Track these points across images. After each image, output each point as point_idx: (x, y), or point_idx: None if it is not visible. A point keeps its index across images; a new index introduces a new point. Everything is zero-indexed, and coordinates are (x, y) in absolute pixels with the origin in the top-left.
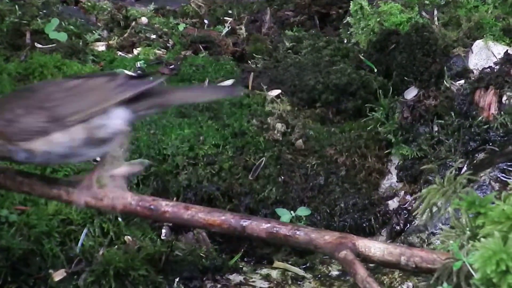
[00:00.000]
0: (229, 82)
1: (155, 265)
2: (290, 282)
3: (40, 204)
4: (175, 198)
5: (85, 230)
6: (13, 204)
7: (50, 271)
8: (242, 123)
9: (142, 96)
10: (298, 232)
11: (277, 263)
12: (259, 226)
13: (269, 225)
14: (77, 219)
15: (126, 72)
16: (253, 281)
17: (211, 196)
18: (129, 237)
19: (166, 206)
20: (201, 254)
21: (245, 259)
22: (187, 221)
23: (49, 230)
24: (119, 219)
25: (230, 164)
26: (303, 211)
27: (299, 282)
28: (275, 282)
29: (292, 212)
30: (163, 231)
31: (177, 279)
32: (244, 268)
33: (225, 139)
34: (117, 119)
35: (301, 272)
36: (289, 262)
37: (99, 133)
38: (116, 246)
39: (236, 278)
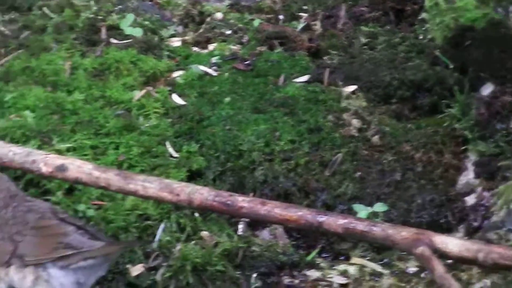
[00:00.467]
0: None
1: (232, 261)
2: (367, 278)
3: (117, 199)
4: (251, 194)
5: (162, 225)
6: (90, 199)
7: (128, 266)
8: (317, 119)
9: None
10: (375, 228)
11: (354, 259)
12: (335, 221)
13: (346, 220)
14: (154, 215)
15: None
16: (331, 277)
17: (287, 192)
18: (206, 232)
19: (243, 201)
20: (278, 250)
21: (323, 255)
22: (264, 216)
23: (126, 225)
24: (196, 214)
25: (306, 159)
26: (380, 207)
27: (376, 278)
28: (352, 278)
29: (369, 208)
30: (240, 226)
31: (254, 275)
32: (321, 264)
33: (301, 135)
34: (56, 279)
35: (378, 268)
36: (367, 258)
37: (41, 282)
38: (193, 242)
39: (313, 274)
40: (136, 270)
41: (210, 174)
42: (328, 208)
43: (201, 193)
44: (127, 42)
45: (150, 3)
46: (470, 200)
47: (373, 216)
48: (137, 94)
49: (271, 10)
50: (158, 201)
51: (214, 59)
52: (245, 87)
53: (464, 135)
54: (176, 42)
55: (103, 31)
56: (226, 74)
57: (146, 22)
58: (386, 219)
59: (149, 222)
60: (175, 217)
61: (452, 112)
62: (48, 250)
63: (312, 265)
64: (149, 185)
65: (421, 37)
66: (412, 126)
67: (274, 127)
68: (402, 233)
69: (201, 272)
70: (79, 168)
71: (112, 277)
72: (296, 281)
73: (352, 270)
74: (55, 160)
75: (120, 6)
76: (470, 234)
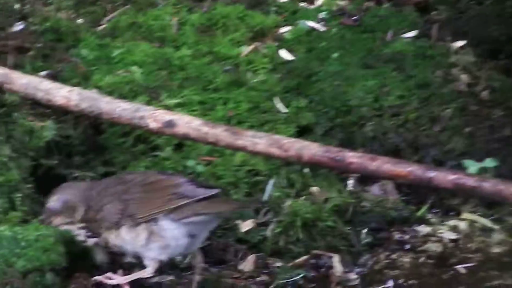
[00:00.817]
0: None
1: (342, 216)
2: (477, 233)
3: (226, 155)
4: (361, 149)
5: (271, 181)
6: (199, 155)
7: (238, 221)
8: (426, 74)
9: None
10: (485, 184)
11: (465, 215)
12: (445, 177)
13: (455, 176)
14: (264, 170)
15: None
16: (441, 233)
17: (397, 147)
18: (315, 188)
19: (352, 157)
20: (388, 205)
21: (433, 210)
22: (373, 172)
23: (235, 181)
24: (306, 170)
25: (415, 115)
26: (490, 163)
27: (487, 234)
28: (463, 233)
29: (478, 163)
30: (350, 182)
31: (364, 230)
32: (431, 219)
33: (410, 90)
34: (164, 228)
35: (489, 223)
36: (477, 214)
37: (154, 237)
38: (303, 197)
39: (423, 229)
40: (246, 225)
41: (319, 130)
42: (438, 163)
43: (311, 149)
44: None
45: None
46: None
47: (483, 171)
48: (245, 49)
49: None
50: (267, 157)
51: (321, 15)
52: (352, 43)
53: None
54: None
55: None
56: (334, 29)
57: None
58: (496, 174)
59: (258, 177)
60: (284, 172)
61: None
62: (160, 203)
63: (422, 221)
64: (258, 141)
65: None
66: None
67: (383, 83)
68: None
69: (311, 227)
70: (187, 124)
71: (222, 233)
72: (406, 237)
73: (462, 225)
74: (164, 115)
75: None
76: None
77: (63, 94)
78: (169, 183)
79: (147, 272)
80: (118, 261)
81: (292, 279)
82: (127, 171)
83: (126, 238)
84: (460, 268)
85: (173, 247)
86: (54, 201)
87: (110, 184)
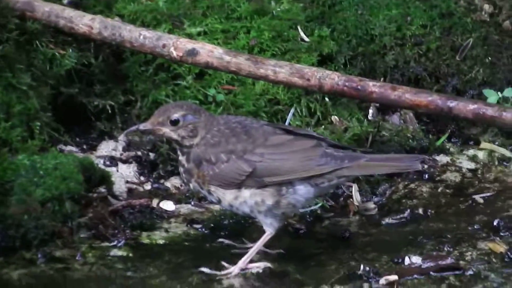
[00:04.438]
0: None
1: (362, 145)
2: (496, 163)
3: (247, 84)
4: (382, 79)
5: (292, 110)
6: (220, 84)
7: None
8: (449, 4)
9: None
10: (505, 113)
11: (484, 144)
12: (465, 107)
13: (475, 106)
14: (284, 99)
15: (326, 138)
16: (460, 162)
17: (418, 77)
18: (336, 117)
19: (373, 86)
20: (408, 135)
21: (452, 140)
22: (394, 101)
23: (256, 110)
24: (326, 99)
25: (437, 44)
26: (510, 92)
27: (505, 163)
28: (481, 163)
29: (499, 93)
30: (370, 111)
31: None
32: (451, 149)
33: (432, 20)
34: (301, 195)
35: (508, 153)
36: (496, 143)
37: (283, 204)
38: (323, 126)
39: (442, 158)
40: None
41: (341, 59)
42: (458, 93)
43: (332, 78)
44: None
45: None
46: None
47: (503, 101)
48: None
49: None
50: (289, 86)
51: None
52: None
53: None
54: None
55: None
56: None
57: None
58: None
59: (279, 106)
60: (305, 101)
61: None
62: (297, 168)
63: (442, 150)
64: (279, 69)
65: None
66: None
67: (406, 12)
68: None
69: None
70: (210, 52)
71: None
72: (426, 166)
73: (481, 155)
74: (186, 44)
75: None
76: None
77: (86, 22)
78: (305, 145)
79: (268, 237)
80: None
81: (310, 208)
82: (239, 116)
83: (249, 202)
84: (478, 197)
85: (298, 207)
86: (178, 114)
87: (228, 134)
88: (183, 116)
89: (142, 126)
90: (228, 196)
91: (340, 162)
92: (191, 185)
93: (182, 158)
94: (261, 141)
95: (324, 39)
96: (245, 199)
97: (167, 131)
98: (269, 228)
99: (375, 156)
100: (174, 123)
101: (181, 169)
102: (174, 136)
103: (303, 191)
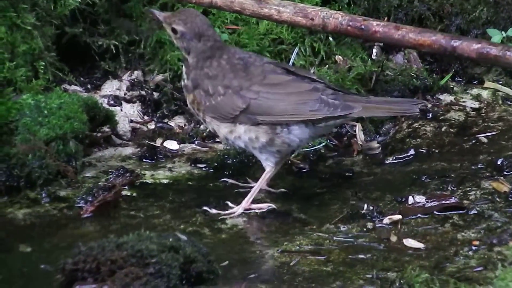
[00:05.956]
0: None
1: (366, 85)
2: (500, 102)
3: (251, 23)
4: (386, 18)
5: (296, 49)
6: (224, 24)
7: None
8: None
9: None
10: (509, 53)
11: (487, 83)
12: (469, 46)
13: (479, 45)
14: (288, 39)
15: (326, 82)
16: (464, 101)
17: (422, 16)
18: (340, 56)
19: (377, 26)
20: (412, 74)
21: (456, 79)
22: (398, 41)
23: (260, 49)
24: (330, 38)
25: None
26: None
27: (509, 102)
28: (485, 102)
29: (503, 32)
30: (374, 50)
31: None
32: (454, 88)
33: None
34: (296, 135)
35: (511, 92)
36: (500, 83)
37: (277, 142)
38: (326, 66)
39: (446, 98)
40: None
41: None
42: (462, 32)
43: (336, 18)
44: None
45: None
46: None
47: (507, 40)
48: None
49: None
50: (292, 26)
51: None
52: None
53: None
54: None
55: None
56: None
57: None
58: None
59: (283, 46)
60: (309, 41)
61: None
62: (289, 110)
63: (445, 89)
64: (283, 9)
65: None
66: None
67: None
68: None
69: None
70: None
71: None
72: (429, 105)
73: (485, 94)
74: None
75: None
76: None
77: None
78: (300, 88)
79: (268, 175)
80: None
81: (314, 148)
82: (246, 52)
83: (243, 138)
84: (482, 137)
85: (293, 147)
86: (178, 27)
87: (228, 69)
88: (181, 32)
89: (158, 14)
90: (223, 129)
91: (333, 110)
92: (188, 102)
93: (184, 70)
94: (259, 79)
95: None
96: (240, 135)
97: (170, 32)
98: (267, 164)
99: (373, 98)
100: (173, 31)
101: (182, 83)
102: (174, 40)
103: (297, 131)
